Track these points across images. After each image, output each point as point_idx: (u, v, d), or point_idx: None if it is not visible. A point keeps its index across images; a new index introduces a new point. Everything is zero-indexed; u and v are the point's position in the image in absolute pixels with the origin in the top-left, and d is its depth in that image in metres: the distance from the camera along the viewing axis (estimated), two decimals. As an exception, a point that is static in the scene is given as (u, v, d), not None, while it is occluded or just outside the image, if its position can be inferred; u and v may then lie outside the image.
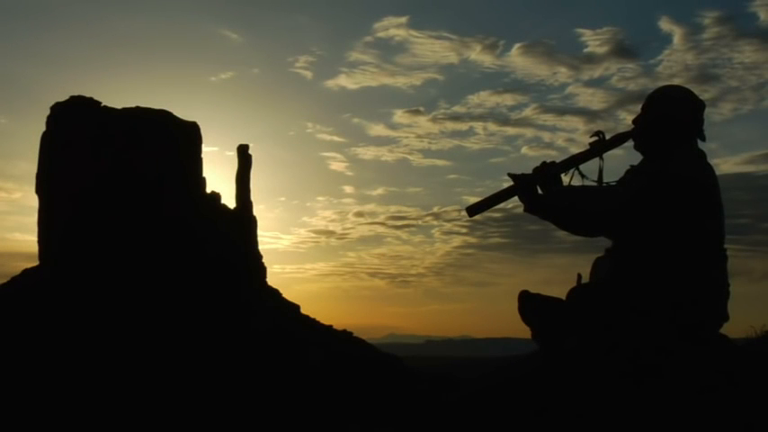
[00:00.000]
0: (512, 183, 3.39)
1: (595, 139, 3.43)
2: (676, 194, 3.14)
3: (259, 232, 69.25)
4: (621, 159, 3.58)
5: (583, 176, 3.41)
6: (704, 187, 3.19)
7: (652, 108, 3.35)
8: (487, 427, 3.42)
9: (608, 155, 3.43)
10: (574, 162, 3.42)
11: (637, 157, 3.42)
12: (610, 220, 3.22)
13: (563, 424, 3.17)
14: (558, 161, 3.42)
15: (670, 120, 3.30)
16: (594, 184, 3.39)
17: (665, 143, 3.30)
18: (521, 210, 3.39)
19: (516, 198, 3.40)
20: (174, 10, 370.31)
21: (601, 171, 3.41)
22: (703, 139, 3.34)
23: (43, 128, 63.39)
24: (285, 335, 55.34)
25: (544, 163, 3.41)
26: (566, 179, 3.41)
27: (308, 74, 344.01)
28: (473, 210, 3.43)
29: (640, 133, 3.37)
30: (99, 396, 41.98)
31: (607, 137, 3.42)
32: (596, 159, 3.42)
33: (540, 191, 3.37)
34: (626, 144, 3.44)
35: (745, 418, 2.97)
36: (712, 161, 3.33)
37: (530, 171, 3.38)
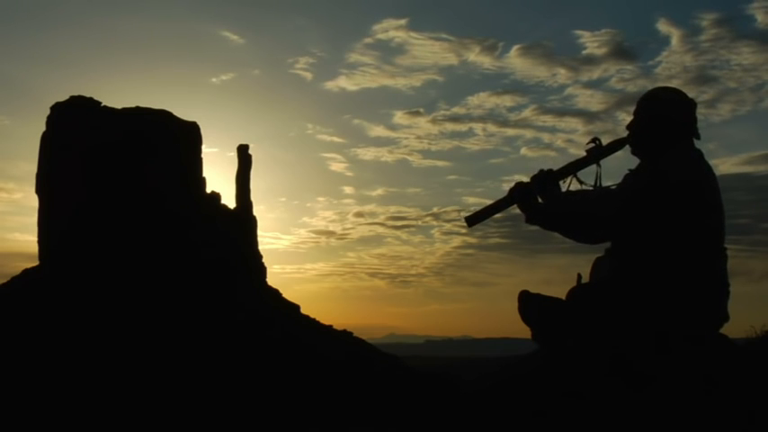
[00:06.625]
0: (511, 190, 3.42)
1: (592, 145, 3.45)
2: (671, 193, 3.15)
3: (259, 232, 69.32)
4: (620, 163, 3.60)
5: (581, 183, 3.43)
6: (698, 184, 3.19)
7: (643, 111, 3.36)
8: (487, 427, 3.42)
9: (605, 160, 3.45)
10: (571, 169, 3.45)
11: (635, 162, 3.44)
12: (610, 223, 3.23)
13: (563, 424, 3.17)
14: (555, 169, 3.44)
15: (663, 120, 3.31)
16: (592, 189, 3.41)
17: (660, 144, 3.31)
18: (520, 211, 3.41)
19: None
20: (174, 11, 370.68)
21: (598, 177, 3.43)
22: (698, 138, 3.36)
23: (43, 128, 63.42)
24: (284, 335, 55.33)
25: (541, 171, 3.43)
26: (564, 186, 3.43)
27: (308, 75, 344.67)
28: (472, 220, 3.48)
29: (635, 137, 3.39)
30: (99, 395, 41.99)
31: (603, 143, 3.44)
32: (593, 166, 3.44)
33: (539, 199, 3.40)
34: (625, 149, 3.46)
35: (745, 418, 2.97)
36: (711, 161, 3.33)
37: (529, 171, 3.41)
